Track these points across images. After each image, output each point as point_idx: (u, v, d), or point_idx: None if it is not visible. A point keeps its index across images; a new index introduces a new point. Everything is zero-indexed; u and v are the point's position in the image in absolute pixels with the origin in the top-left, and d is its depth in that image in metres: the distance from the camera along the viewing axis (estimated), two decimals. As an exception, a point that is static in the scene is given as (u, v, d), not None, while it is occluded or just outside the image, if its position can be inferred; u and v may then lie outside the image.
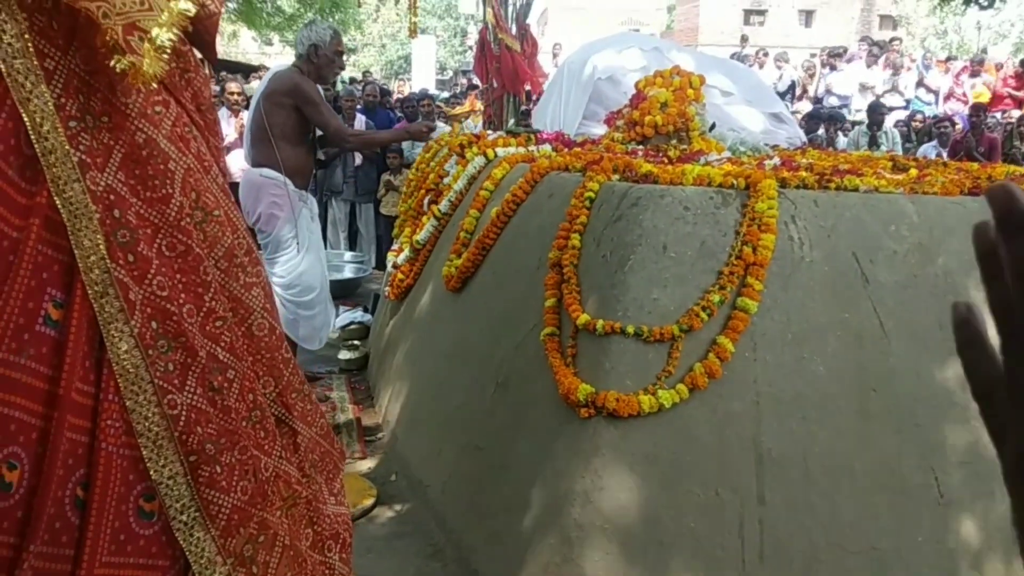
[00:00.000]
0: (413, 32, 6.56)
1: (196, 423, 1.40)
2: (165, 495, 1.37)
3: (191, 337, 1.41)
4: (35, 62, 1.28)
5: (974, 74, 11.57)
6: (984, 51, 13.95)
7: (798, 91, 12.00)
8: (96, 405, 1.32)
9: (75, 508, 1.30)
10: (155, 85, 1.32)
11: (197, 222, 1.47)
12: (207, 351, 1.44)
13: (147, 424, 1.35)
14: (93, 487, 1.31)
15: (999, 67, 11.75)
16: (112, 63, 1.24)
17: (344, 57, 4.64)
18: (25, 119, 1.26)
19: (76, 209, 1.30)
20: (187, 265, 1.44)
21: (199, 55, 1.68)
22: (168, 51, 1.26)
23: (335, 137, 4.45)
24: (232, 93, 8.00)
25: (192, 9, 1.28)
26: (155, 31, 1.25)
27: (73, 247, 1.30)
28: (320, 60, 4.33)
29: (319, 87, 4.51)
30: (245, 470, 1.46)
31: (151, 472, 1.36)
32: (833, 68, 11.73)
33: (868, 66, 11.74)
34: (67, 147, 1.30)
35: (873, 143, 8.90)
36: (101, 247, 1.32)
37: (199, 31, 1.51)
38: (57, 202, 1.28)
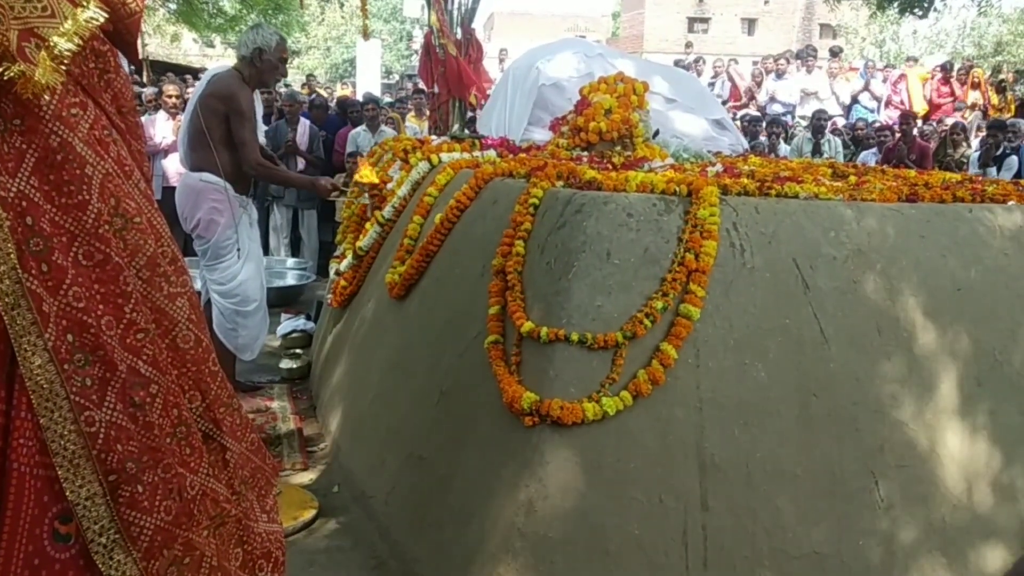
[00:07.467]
0: (366, 34, 6.50)
1: (116, 440, 1.33)
2: (82, 516, 1.31)
3: (110, 350, 1.34)
4: None
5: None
6: (915, 59, 14.32)
7: (744, 99, 12.16)
8: (7, 423, 1.26)
9: None
10: (47, 97, 1.25)
11: (117, 229, 1.40)
12: (128, 365, 1.37)
13: (63, 442, 1.28)
14: (4, 509, 1.25)
15: (932, 74, 12.08)
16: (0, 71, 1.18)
17: (287, 64, 4.52)
18: None
19: (-16, 216, 1.23)
20: (106, 275, 1.37)
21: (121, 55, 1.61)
22: (66, 62, 1.19)
23: (243, 158, 4.18)
24: (170, 96, 7.88)
25: (100, 19, 1.22)
26: (54, 39, 1.19)
27: None
28: (264, 65, 4.21)
29: (258, 91, 4.40)
30: (169, 489, 1.40)
31: (67, 492, 1.30)
32: (780, 76, 11.91)
33: (808, 71, 11.95)
34: (-26, 151, 1.23)
35: (816, 151, 9.05)
36: (12, 256, 1.25)
37: (120, 31, 1.44)
38: None
